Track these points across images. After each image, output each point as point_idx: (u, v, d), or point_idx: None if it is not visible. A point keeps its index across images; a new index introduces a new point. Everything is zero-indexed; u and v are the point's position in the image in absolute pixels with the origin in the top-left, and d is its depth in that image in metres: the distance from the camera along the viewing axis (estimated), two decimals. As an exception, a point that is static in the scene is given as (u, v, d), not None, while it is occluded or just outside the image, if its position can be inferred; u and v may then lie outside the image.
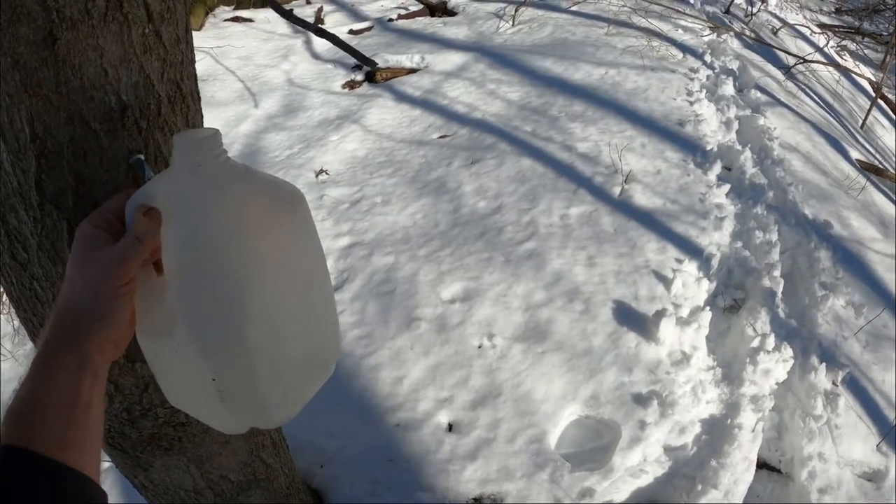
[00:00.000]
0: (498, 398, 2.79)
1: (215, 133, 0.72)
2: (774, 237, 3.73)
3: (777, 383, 2.95)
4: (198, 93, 1.00)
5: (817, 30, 8.76)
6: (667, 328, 2.98)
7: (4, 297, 3.85)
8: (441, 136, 4.85)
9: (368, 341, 3.09)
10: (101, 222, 0.72)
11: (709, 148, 4.41)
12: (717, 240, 3.64)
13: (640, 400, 2.74)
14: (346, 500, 2.45)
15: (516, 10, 7.12)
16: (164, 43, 0.86)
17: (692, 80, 5.46)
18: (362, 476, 2.56)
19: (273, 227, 0.72)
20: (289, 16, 6.16)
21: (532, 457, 2.56)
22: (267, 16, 7.95)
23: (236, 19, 7.99)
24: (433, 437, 2.67)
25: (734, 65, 5.99)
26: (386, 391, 2.86)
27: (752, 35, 7.30)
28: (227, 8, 8.31)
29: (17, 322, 3.81)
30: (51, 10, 0.74)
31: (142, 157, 0.84)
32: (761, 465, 2.74)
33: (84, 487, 0.62)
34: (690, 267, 3.41)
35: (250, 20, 7.99)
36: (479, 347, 3.03)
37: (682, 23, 6.89)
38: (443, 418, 2.74)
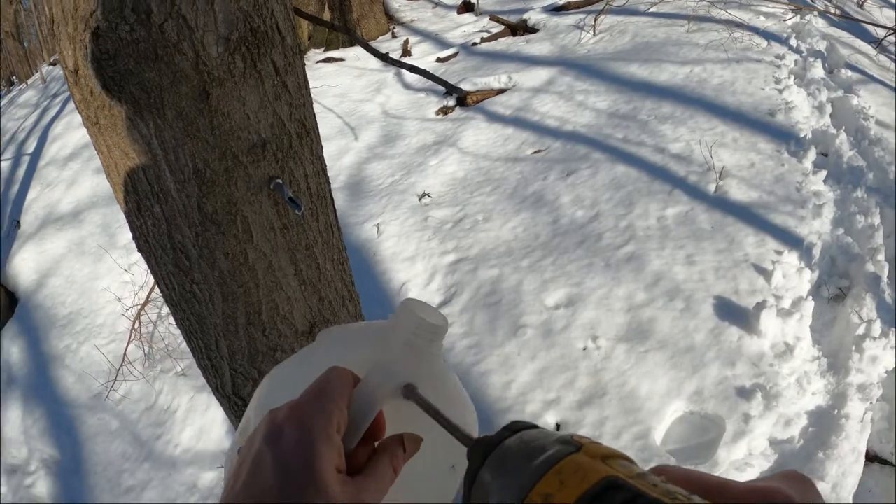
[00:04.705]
0: (603, 397, 2.88)
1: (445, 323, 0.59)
2: (877, 220, 3.59)
3: (886, 371, 2.85)
4: (317, 128, 1.20)
5: (906, -7, 8.33)
6: (768, 320, 2.98)
7: (135, 326, 4.31)
8: (535, 152, 4.99)
9: (477, 349, 3.26)
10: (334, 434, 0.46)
11: (802, 135, 4.33)
12: (817, 228, 3.58)
13: (744, 393, 2.75)
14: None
15: (596, 20, 7.18)
16: (290, 90, 1.06)
17: (779, 67, 5.35)
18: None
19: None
20: (379, 55, 6.48)
21: (638, 452, 2.63)
22: (356, 53, 8.35)
23: (328, 60, 8.44)
24: (542, 436, 2.78)
25: (821, 46, 5.79)
26: (495, 395, 3.01)
27: (837, 11, 7.03)
28: (317, 50, 8.80)
29: (147, 348, 4.23)
30: (202, 72, 0.95)
31: (280, 181, 1.04)
32: (872, 458, 2.66)
33: None
34: (791, 258, 3.38)
35: (341, 59, 8.41)
36: (584, 349, 3.13)
37: (764, 9, 6.72)
38: (550, 418, 2.86)
